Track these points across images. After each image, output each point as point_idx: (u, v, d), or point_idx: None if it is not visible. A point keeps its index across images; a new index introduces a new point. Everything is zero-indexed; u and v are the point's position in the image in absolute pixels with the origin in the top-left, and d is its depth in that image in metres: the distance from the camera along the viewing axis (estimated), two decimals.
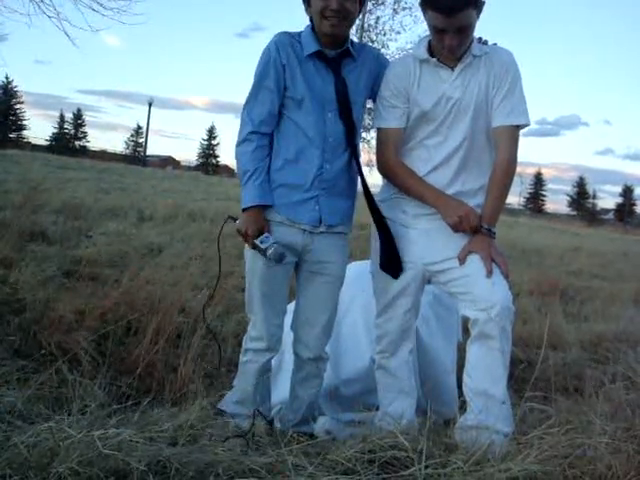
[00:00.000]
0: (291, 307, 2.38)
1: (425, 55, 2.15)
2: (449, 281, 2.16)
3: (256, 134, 2.13)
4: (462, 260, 2.10)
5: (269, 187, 2.14)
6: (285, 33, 2.17)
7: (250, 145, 2.13)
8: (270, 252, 2.05)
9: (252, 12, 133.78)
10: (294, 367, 2.38)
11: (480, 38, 2.19)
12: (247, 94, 2.19)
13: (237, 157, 2.17)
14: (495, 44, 2.21)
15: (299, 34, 2.18)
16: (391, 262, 2.20)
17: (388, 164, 2.24)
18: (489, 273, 2.04)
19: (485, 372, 2.06)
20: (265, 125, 2.14)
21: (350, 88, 2.16)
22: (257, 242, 2.08)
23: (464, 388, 2.13)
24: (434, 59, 2.13)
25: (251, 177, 2.11)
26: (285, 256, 2.08)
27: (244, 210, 2.12)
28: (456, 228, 2.11)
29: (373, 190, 2.28)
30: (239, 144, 2.16)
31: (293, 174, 2.16)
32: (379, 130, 2.26)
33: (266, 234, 2.09)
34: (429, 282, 2.28)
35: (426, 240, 2.19)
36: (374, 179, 2.42)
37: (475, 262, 2.08)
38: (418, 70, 2.16)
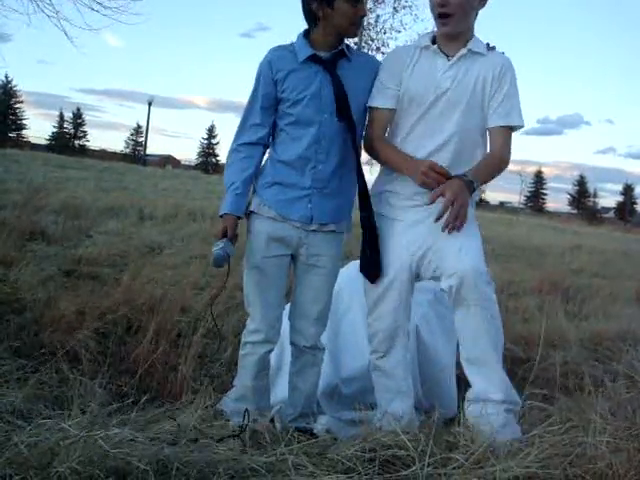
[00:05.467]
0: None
1: (427, 42, 2.21)
2: (432, 268, 2.15)
3: (245, 145, 2.26)
4: (431, 200, 2.01)
5: (244, 200, 2.26)
6: (277, 47, 2.25)
7: (238, 155, 2.27)
8: (214, 253, 2.12)
9: (257, 12, 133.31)
10: (292, 359, 2.41)
11: (488, 44, 2.22)
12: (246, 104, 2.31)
13: (226, 164, 2.33)
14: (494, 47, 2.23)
15: (292, 44, 2.24)
16: (370, 265, 2.24)
17: (370, 141, 2.29)
18: (451, 224, 1.96)
19: (474, 338, 2.06)
20: (257, 136, 2.26)
21: (347, 87, 2.19)
22: (214, 243, 2.17)
23: (461, 361, 2.15)
24: (434, 46, 2.19)
25: (231, 187, 2.23)
26: (222, 263, 2.12)
27: (220, 215, 2.23)
28: (425, 185, 2.05)
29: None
30: (230, 153, 2.31)
31: (287, 173, 2.24)
32: (369, 109, 2.29)
33: (225, 240, 2.15)
34: (418, 278, 2.27)
35: (412, 231, 2.20)
36: (374, 176, 2.43)
37: (444, 237, 2.04)
38: (416, 56, 2.22)
